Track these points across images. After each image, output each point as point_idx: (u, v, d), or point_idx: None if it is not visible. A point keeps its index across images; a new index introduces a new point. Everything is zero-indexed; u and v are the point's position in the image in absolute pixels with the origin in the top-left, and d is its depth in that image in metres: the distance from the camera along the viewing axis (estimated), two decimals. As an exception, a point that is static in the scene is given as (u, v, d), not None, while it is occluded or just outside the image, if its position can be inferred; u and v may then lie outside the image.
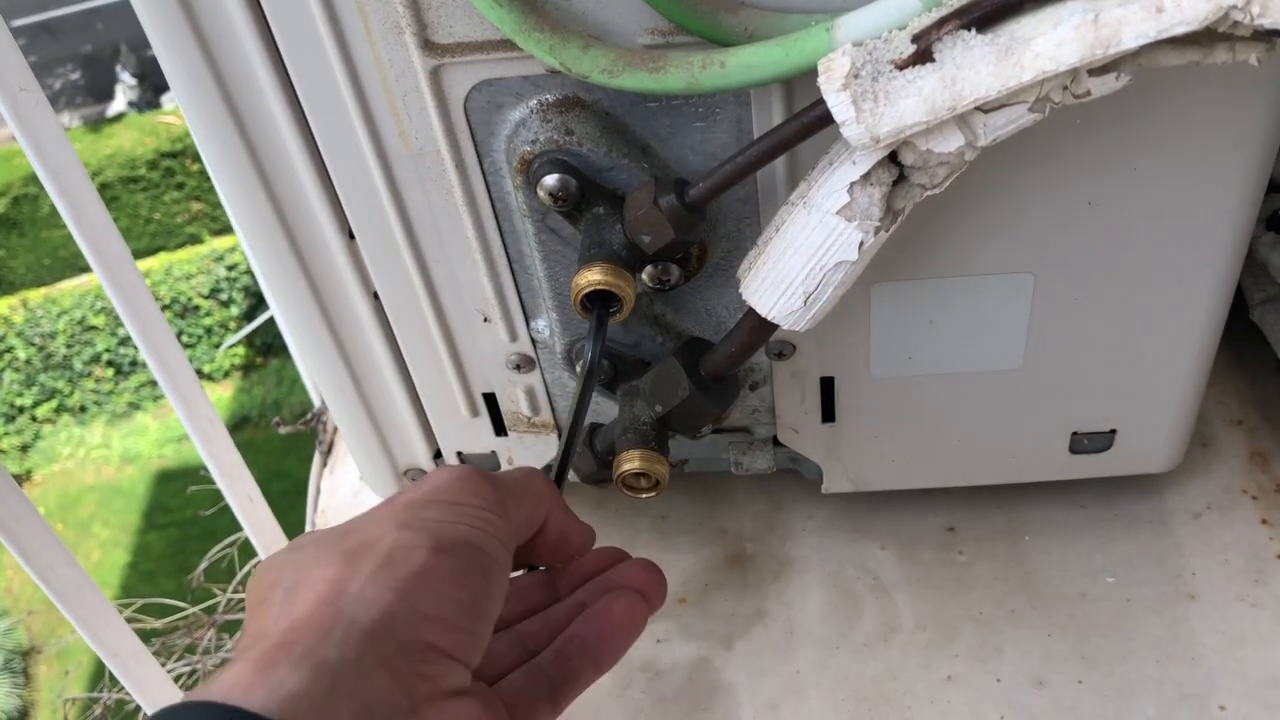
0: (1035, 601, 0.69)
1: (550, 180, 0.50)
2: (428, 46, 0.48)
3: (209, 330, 7.15)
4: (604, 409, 0.63)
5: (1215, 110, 0.50)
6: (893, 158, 0.44)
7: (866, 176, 0.44)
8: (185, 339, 7.07)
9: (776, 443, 0.67)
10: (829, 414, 0.64)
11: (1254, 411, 0.77)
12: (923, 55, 0.40)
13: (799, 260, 0.46)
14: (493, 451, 0.69)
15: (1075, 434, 0.65)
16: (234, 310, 7.17)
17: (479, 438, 0.68)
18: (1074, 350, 0.60)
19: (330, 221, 0.56)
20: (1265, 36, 0.38)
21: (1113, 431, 0.65)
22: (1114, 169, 0.52)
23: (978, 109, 0.41)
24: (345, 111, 0.51)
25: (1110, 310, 0.58)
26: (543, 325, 0.60)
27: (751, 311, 0.49)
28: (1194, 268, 0.56)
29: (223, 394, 6.96)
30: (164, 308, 6.98)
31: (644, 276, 0.54)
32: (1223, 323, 0.60)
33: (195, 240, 7.62)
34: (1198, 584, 0.68)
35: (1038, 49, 0.38)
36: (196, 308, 7.15)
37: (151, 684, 0.79)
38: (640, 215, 0.48)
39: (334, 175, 0.54)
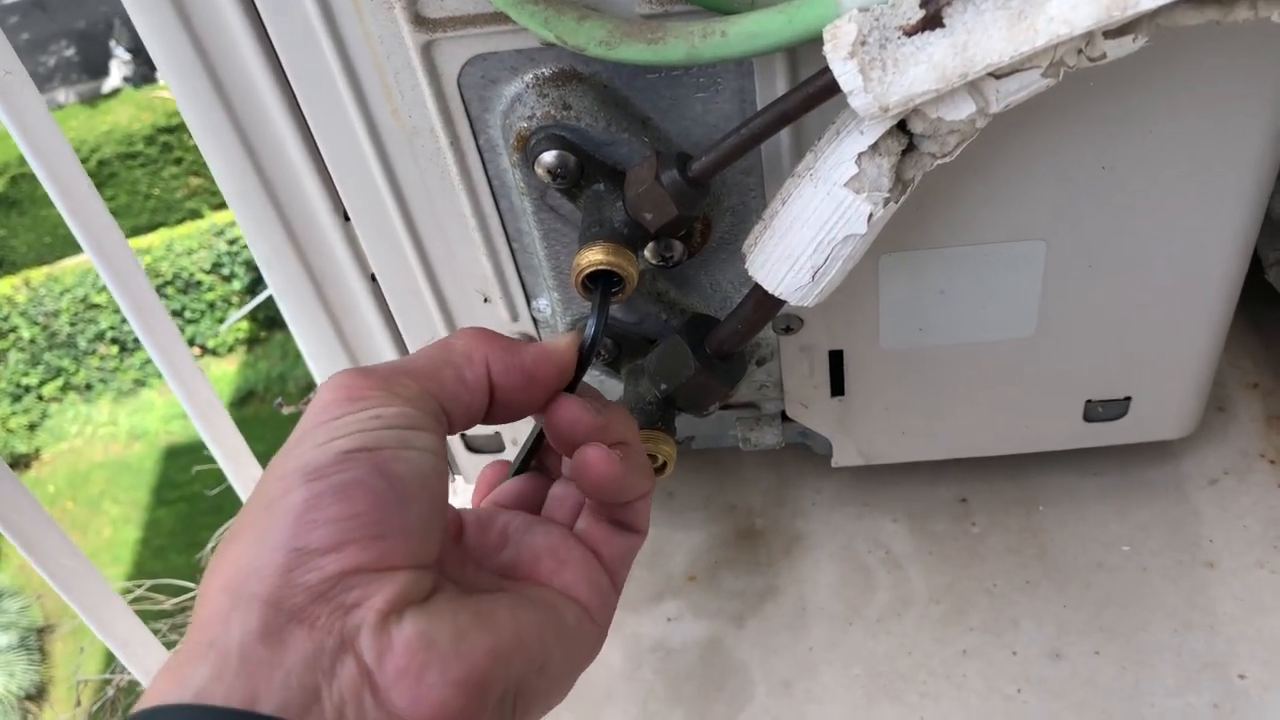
0: (1050, 572, 0.68)
1: (548, 157, 0.48)
2: (418, 21, 0.46)
3: (212, 305, 7.16)
4: (610, 388, 0.62)
5: (1232, 72, 0.48)
6: (901, 126, 0.42)
7: (875, 147, 0.42)
8: (188, 314, 7.09)
9: (785, 417, 0.66)
10: (838, 388, 0.63)
11: (1270, 374, 0.76)
12: (932, 20, 0.38)
13: (806, 234, 0.45)
14: (497, 432, 0.68)
15: (1089, 402, 0.64)
16: (236, 285, 7.17)
17: (483, 418, 0.67)
18: (1087, 317, 0.59)
19: (324, 203, 0.55)
20: (1290, -7, 0.36)
21: (1127, 399, 0.64)
22: (1128, 132, 0.50)
23: (990, 75, 0.39)
24: (336, 90, 0.49)
25: (1124, 276, 0.57)
26: (544, 304, 0.59)
27: (758, 287, 0.47)
28: (1209, 232, 0.55)
29: (228, 368, 6.97)
30: (166, 284, 6.99)
31: (646, 253, 0.52)
32: (1239, 287, 0.58)
33: (195, 215, 7.61)
34: (1216, 551, 0.67)
35: (1051, 12, 0.37)
36: (199, 283, 7.16)
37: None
38: (642, 192, 0.46)
39: (326, 156, 0.53)
